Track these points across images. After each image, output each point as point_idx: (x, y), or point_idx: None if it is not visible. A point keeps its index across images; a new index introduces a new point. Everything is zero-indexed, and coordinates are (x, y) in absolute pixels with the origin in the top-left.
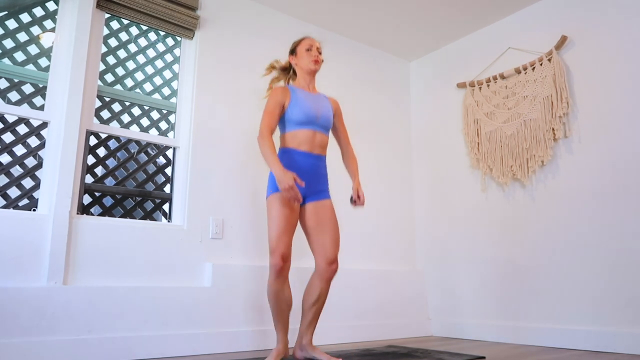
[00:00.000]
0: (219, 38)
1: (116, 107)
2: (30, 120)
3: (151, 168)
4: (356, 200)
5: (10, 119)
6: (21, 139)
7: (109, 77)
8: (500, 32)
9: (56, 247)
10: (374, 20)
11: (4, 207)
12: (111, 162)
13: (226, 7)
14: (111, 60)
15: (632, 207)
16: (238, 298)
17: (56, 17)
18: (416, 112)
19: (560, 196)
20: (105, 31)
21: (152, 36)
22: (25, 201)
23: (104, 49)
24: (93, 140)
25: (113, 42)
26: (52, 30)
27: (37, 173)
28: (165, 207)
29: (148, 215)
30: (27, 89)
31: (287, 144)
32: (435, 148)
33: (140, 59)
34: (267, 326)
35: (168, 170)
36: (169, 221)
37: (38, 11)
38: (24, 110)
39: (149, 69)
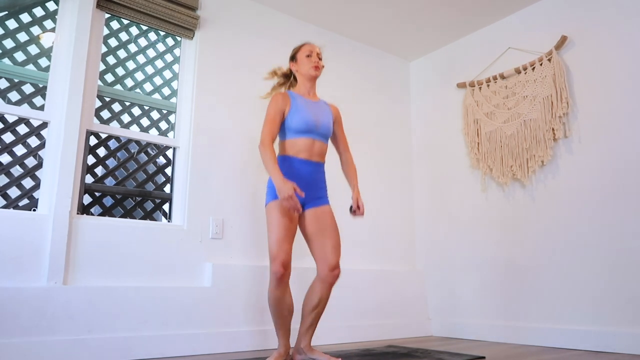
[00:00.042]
0: (219, 38)
1: (116, 107)
2: (30, 120)
3: (151, 168)
4: (356, 210)
5: (10, 119)
6: (21, 139)
7: (109, 77)
8: (500, 32)
9: (56, 247)
10: (374, 20)
11: (4, 207)
12: (111, 162)
13: (226, 7)
14: (111, 60)
15: (632, 207)
16: (238, 298)
17: (56, 17)
18: (416, 112)
19: (560, 196)
20: (105, 31)
21: (152, 36)
22: (25, 201)
23: (104, 49)
24: (93, 140)
25: (113, 42)
26: (52, 30)
27: (37, 173)
28: (165, 207)
29: (148, 215)
30: (27, 89)
31: (286, 152)
32: (435, 148)
33: (140, 59)
34: (267, 326)
35: (168, 170)
36: (169, 221)
37: (38, 11)
38: (24, 110)
39: (149, 69)
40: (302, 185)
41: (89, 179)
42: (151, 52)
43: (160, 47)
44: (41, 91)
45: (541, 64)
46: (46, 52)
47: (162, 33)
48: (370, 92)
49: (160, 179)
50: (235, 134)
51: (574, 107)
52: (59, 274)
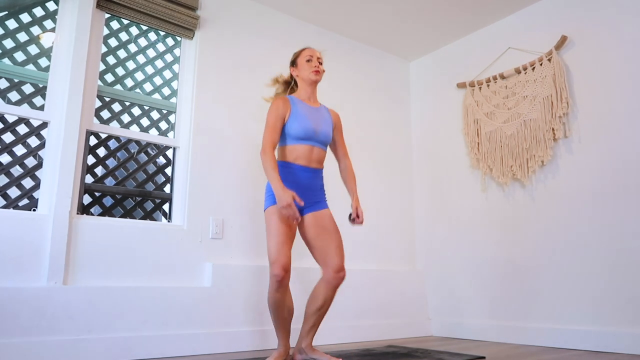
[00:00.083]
0: (219, 38)
1: (116, 107)
2: (30, 120)
3: (151, 168)
4: (355, 218)
5: (10, 119)
6: (21, 139)
7: (109, 77)
8: (500, 32)
9: (56, 247)
10: (374, 20)
11: (4, 207)
12: (111, 162)
13: (226, 7)
14: (111, 60)
15: (632, 207)
16: (238, 298)
17: (56, 17)
18: (416, 112)
19: (560, 196)
20: (105, 31)
21: (152, 36)
22: (25, 201)
23: (104, 49)
24: (93, 140)
25: (113, 42)
26: (52, 30)
27: (37, 173)
28: (165, 207)
29: (148, 215)
30: (27, 89)
31: (285, 158)
32: (435, 148)
33: (140, 59)
34: (267, 326)
35: (168, 170)
36: (169, 221)
37: (38, 11)
38: (24, 110)
39: (149, 69)
40: (301, 190)
41: (89, 179)
42: (151, 52)
43: (160, 47)
44: (41, 91)
45: (541, 64)
46: (46, 52)
47: (162, 33)
48: (370, 92)
49: (160, 179)
50: (235, 133)
51: (574, 107)
52: (59, 274)
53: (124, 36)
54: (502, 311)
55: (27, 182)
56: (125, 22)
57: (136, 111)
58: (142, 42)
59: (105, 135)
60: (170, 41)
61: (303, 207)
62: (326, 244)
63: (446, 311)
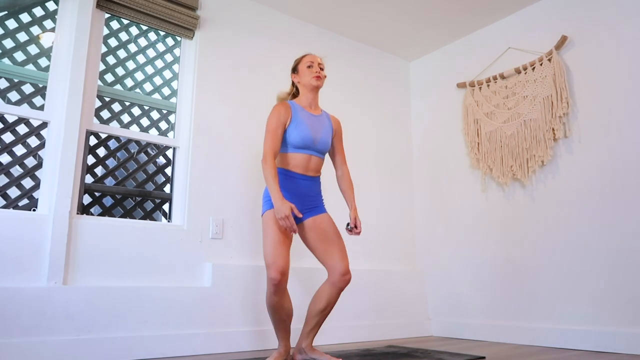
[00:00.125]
0: (219, 38)
1: (116, 107)
2: (30, 120)
3: (151, 168)
4: (353, 228)
5: (10, 119)
6: (21, 139)
7: (109, 77)
8: (500, 32)
9: (56, 247)
10: (374, 20)
11: (4, 207)
12: (111, 162)
13: (226, 7)
14: (111, 60)
15: (632, 207)
16: (238, 298)
17: (56, 17)
18: (416, 112)
19: (560, 196)
20: (105, 31)
21: (152, 36)
22: (25, 201)
23: (104, 49)
24: (93, 140)
25: (113, 42)
26: (52, 30)
27: (37, 173)
28: (165, 207)
29: (148, 215)
30: (27, 89)
31: (282, 165)
32: (435, 148)
33: (140, 59)
34: (267, 326)
35: (168, 170)
36: (169, 221)
37: (38, 11)
38: (24, 110)
39: (149, 69)
40: (298, 197)
41: (89, 179)
42: (151, 52)
43: (160, 47)
44: (41, 91)
45: (541, 64)
46: (46, 52)
47: (162, 33)
48: (370, 92)
49: (160, 179)
50: (236, 133)
51: (574, 107)
52: (59, 274)
53: (124, 36)
54: (502, 311)
55: (27, 182)
56: (125, 22)
57: (136, 111)
58: (142, 42)
59: (105, 135)
60: (170, 41)
61: (302, 213)
62: (329, 247)
63: (446, 311)
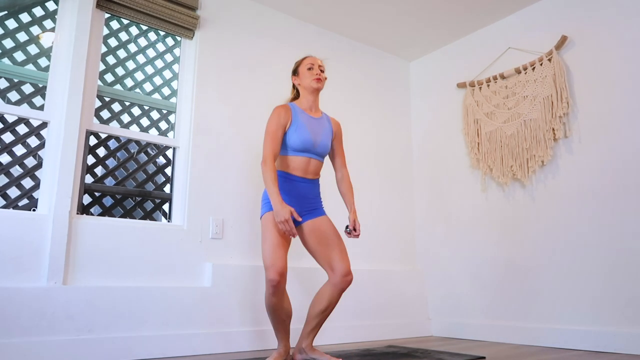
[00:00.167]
0: (219, 38)
1: (116, 107)
2: (30, 120)
3: (151, 168)
4: (352, 231)
5: (10, 119)
6: (21, 139)
7: (109, 77)
8: (500, 32)
9: (56, 247)
10: (374, 20)
11: (4, 207)
12: (111, 162)
13: (226, 7)
14: (111, 60)
15: (632, 207)
16: (238, 298)
17: (56, 17)
18: (416, 112)
19: (560, 196)
20: (105, 31)
21: (152, 36)
22: (25, 201)
23: (103, 49)
24: (93, 140)
25: (113, 42)
26: (52, 30)
27: (37, 173)
28: (165, 207)
29: (148, 215)
30: (27, 88)
31: (281, 167)
32: (435, 148)
33: (140, 58)
34: (267, 326)
35: (168, 170)
36: (169, 221)
37: (38, 11)
38: (24, 110)
39: (149, 69)
40: (297, 200)
41: (89, 179)
42: (151, 52)
43: (160, 47)
44: (41, 91)
45: (541, 64)
46: (46, 52)
47: (162, 33)
48: (370, 92)
49: (160, 179)
50: (236, 133)
51: (574, 107)
52: (59, 274)
53: (123, 36)
54: (502, 311)
55: (27, 182)
56: (125, 22)
57: (136, 111)
58: (142, 42)
59: (105, 135)
60: (170, 41)
61: (301, 215)
62: (329, 249)
63: (446, 311)
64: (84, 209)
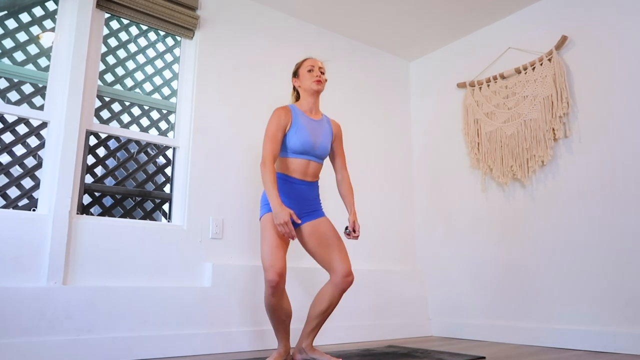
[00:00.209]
0: (219, 38)
1: (116, 107)
2: (30, 120)
3: (151, 168)
4: (351, 232)
5: (10, 119)
6: (21, 139)
7: (109, 77)
8: (500, 32)
9: (56, 247)
10: (374, 20)
11: (4, 207)
12: (111, 162)
13: (226, 7)
14: (111, 60)
15: (632, 207)
16: (238, 298)
17: (56, 17)
18: (416, 112)
19: (560, 196)
20: (105, 31)
21: (152, 36)
22: (25, 201)
23: (103, 49)
24: (93, 140)
25: (113, 42)
26: (52, 30)
27: (37, 173)
28: (165, 207)
29: (148, 215)
30: (27, 88)
31: (280, 169)
32: (435, 148)
33: (140, 58)
34: (267, 326)
35: (168, 170)
36: (169, 221)
37: (38, 11)
38: (24, 110)
39: (149, 69)
40: (296, 201)
41: (89, 179)
42: (151, 52)
43: (160, 47)
44: (41, 91)
45: (541, 64)
46: (46, 52)
47: (162, 33)
48: (370, 92)
49: (160, 179)
50: (235, 133)
51: (574, 107)
52: (59, 274)
53: (123, 36)
54: (502, 311)
55: (27, 182)
56: (125, 22)
57: (136, 111)
58: (142, 42)
59: (105, 135)
60: (170, 41)
61: (300, 217)
62: (329, 250)
63: (446, 311)
64: (84, 209)
